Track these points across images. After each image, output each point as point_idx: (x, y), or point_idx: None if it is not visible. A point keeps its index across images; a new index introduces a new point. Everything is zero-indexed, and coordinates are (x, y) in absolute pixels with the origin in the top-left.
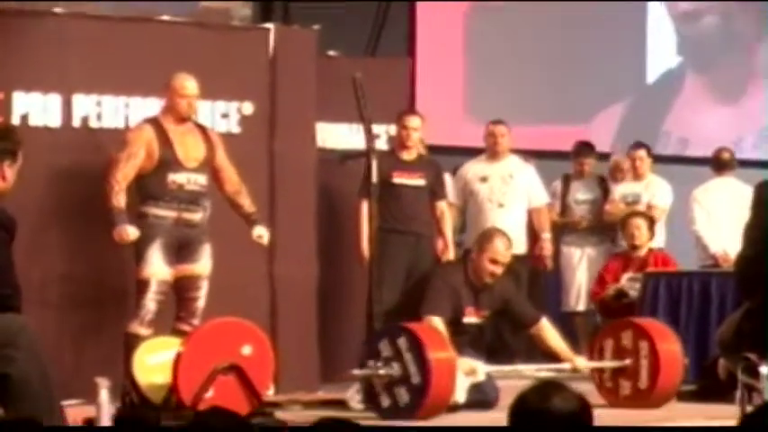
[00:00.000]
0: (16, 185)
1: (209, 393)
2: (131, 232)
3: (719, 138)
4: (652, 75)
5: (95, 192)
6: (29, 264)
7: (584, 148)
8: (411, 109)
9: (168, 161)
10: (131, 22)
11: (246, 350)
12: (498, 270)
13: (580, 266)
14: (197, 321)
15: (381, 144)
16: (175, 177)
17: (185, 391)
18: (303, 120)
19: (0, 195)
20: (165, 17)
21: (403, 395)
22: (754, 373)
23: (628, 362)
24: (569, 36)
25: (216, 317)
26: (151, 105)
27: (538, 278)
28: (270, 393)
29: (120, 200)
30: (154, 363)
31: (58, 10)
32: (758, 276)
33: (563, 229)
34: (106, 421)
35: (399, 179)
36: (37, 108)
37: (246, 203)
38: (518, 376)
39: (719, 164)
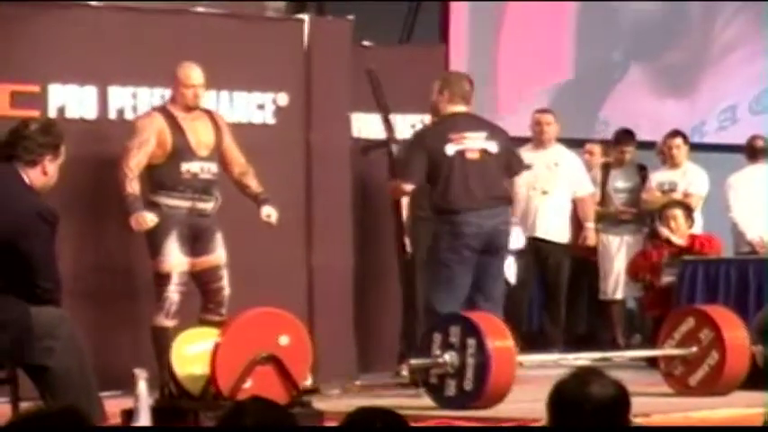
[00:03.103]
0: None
1: (248, 384)
2: (149, 218)
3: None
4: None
5: None
6: (64, 256)
7: (625, 135)
8: None
9: (181, 150)
10: (166, 13)
11: (284, 340)
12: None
13: (618, 255)
14: (224, 310)
15: None
16: (189, 166)
17: (223, 381)
18: (338, 110)
19: (42, 190)
20: (200, 9)
21: (462, 384)
22: None
23: (694, 349)
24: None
25: (253, 307)
26: None
27: (581, 267)
28: (307, 383)
29: (134, 186)
30: (192, 353)
31: (93, 2)
32: None
33: (602, 218)
34: (145, 412)
35: None
36: (73, 100)
37: (253, 184)
38: (555, 365)
39: (753, 151)
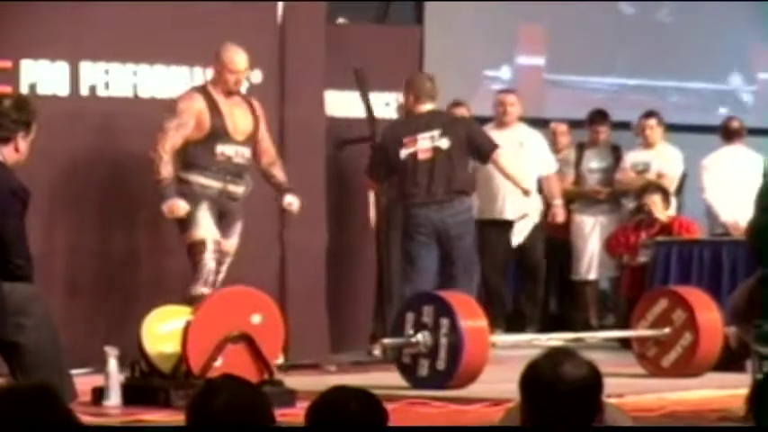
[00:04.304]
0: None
1: (219, 362)
2: (182, 206)
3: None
4: None
5: (102, 162)
6: (34, 234)
7: (599, 115)
8: None
9: (218, 132)
10: None
11: (256, 319)
12: None
13: (592, 235)
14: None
15: (391, 112)
16: (224, 149)
17: (194, 360)
18: (312, 88)
19: (14, 166)
20: None
21: (435, 364)
22: (766, 342)
23: (667, 331)
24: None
25: (226, 285)
26: (159, 73)
27: (552, 247)
28: (279, 362)
29: (169, 170)
30: (163, 332)
31: None
32: None
33: (576, 198)
34: (115, 390)
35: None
36: (45, 77)
37: (279, 174)
38: (529, 346)
39: (728, 132)
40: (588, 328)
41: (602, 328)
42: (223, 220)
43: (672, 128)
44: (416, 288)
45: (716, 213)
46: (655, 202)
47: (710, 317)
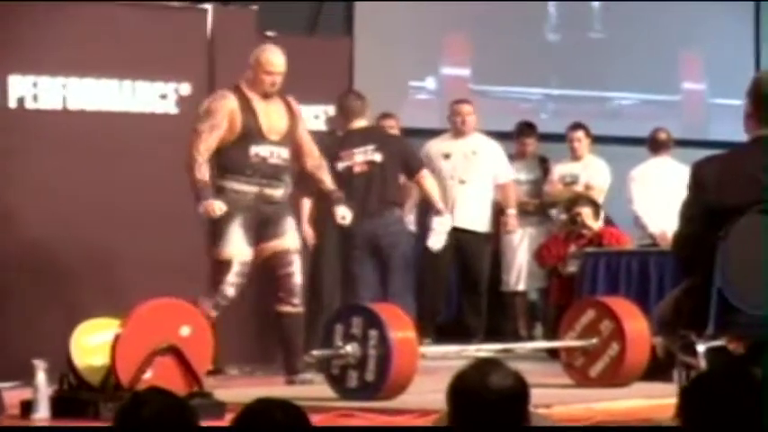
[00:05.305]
0: None
1: (148, 375)
2: (218, 207)
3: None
4: None
5: (31, 171)
6: None
7: (527, 128)
8: None
9: (251, 132)
10: (68, 1)
11: (185, 331)
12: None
13: (521, 246)
14: (298, 300)
15: (320, 125)
16: (258, 150)
17: (123, 372)
18: None
19: None
20: None
21: (364, 375)
22: (692, 352)
23: (595, 341)
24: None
25: (154, 297)
26: (88, 86)
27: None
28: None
29: (204, 173)
30: (92, 344)
31: None
32: (695, 255)
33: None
34: (44, 403)
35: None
36: None
37: (327, 180)
38: (458, 357)
39: (656, 144)
40: (517, 338)
41: (531, 338)
42: (266, 225)
43: (599, 140)
44: (355, 299)
45: (644, 224)
46: (586, 213)
47: (638, 327)
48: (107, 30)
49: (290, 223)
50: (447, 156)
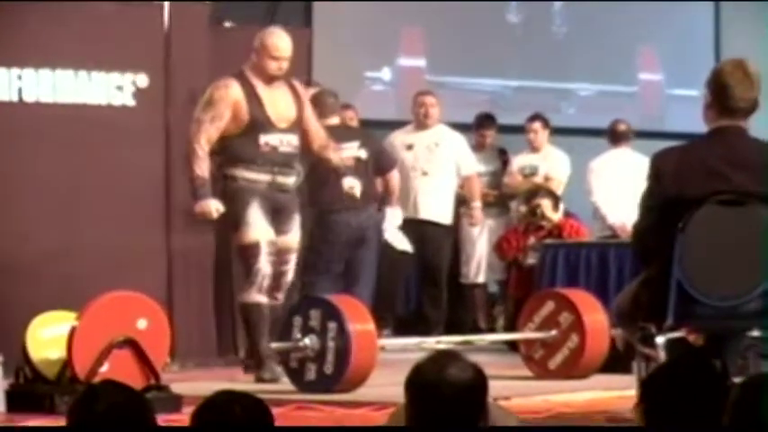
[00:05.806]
0: None
1: (104, 368)
2: (215, 208)
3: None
4: None
5: None
6: None
7: (486, 119)
8: None
9: (259, 122)
10: None
11: (142, 324)
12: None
13: (480, 238)
14: (282, 295)
15: None
16: (268, 139)
17: (80, 365)
18: (197, 92)
19: None
20: None
21: (322, 368)
22: (651, 344)
23: (554, 333)
24: None
25: (111, 289)
26: (44, 77)
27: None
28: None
29: (204, 169)
30: (47, 337)
31: None
32: (654, 247)
33: (463, 202)
34: None
35: None
36: None
37: (335, 157)
38: (417, 349)
39: (616, 135)
40: (477, 330)
41: (490, 330)
42: (278, 216)
43: (558, 131)
44: (323, 291)
45: (603, 216)
46: (546, 205)
47: (597, 319)
48: (64, 21)
49: (296, 219)
50: (410, 147)
